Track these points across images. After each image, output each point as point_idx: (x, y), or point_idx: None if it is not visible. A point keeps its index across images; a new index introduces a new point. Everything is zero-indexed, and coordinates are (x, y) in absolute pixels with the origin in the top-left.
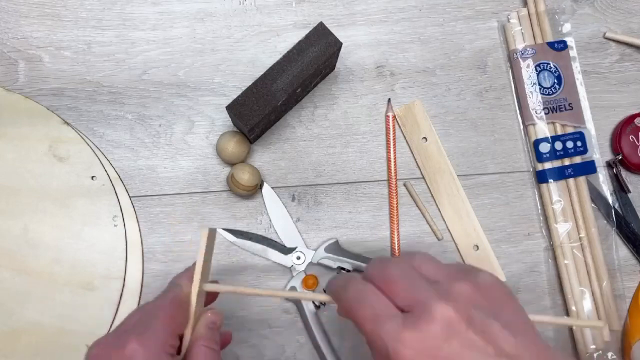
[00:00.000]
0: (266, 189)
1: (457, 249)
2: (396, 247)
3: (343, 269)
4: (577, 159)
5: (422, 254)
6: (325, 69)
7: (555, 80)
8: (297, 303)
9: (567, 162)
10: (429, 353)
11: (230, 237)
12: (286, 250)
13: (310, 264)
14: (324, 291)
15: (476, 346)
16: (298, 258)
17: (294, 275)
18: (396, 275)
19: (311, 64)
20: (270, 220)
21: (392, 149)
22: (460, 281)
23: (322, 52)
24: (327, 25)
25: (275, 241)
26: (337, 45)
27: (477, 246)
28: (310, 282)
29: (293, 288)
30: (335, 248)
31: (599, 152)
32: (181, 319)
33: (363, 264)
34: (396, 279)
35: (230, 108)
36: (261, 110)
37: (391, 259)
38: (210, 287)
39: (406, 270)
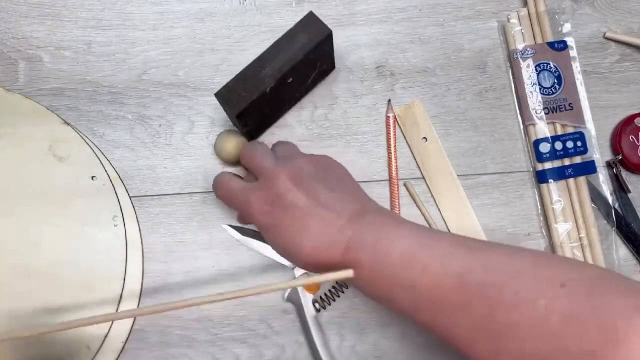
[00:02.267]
0: None
1: None
2: None
3: None
4: (577, 159)
5: (282, 142)
6: (319, 60)
7: (555, 80)
8: (297, 305)
9: (567, 162)
10: (270, 204)
11: (236, 235)
12: None
13: None
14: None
15: (302, 199)
16: None
17: (297, 276)
18: (255, 152)
19: (299, 50)
20: None
21: (392, 149)
22: (299, 156)
23: (310, 38)
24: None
25: None
26: (325, 31)
27: None
28: (312, 285)
29: (294, 290)
30: None
31: (599, 152)
32: None
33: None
34: (255, 154)
35: (219, 95)
36: (250, 95)
37: (259, 143)
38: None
39: (263, 149)
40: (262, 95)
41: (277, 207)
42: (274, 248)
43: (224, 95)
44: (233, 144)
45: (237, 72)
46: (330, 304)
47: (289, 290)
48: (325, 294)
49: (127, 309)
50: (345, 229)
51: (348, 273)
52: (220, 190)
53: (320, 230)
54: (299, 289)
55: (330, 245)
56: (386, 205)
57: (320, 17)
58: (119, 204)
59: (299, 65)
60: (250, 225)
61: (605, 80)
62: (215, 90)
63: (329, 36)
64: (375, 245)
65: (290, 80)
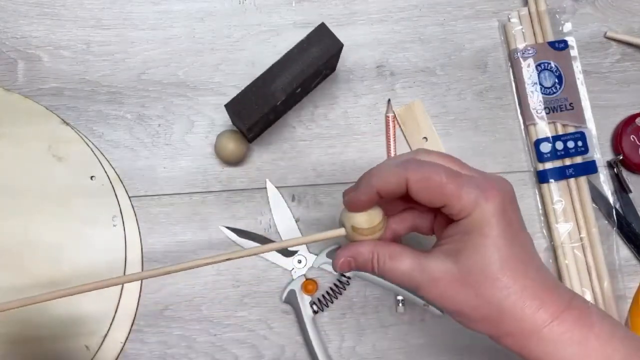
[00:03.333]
0: (271, 189)
1: None
2: None
3: (344, 275)
4: (578, 159)
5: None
6: (325, 69)
7: (556, 80)
8: (295, 307)
9: (567, 162)
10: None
11: (233, 236)
12: (287, 253)
13: (311, 268)
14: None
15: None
16: (299, 261)
17: (294, 278)
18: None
19: (311, 64)
20: (272, 221)
21: (392, 149)
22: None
23: (322, 53)
24: (327, 25)
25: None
26: (338, 46)
27: None
28: (310, 287)
29: (292, 291)
30: None
31: (600, 152)
32: None
33: (363, 272)
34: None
35: (229, 106)
36: (260, 109)
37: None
38: None
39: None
40: (273, 108)
41: None
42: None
43: (235, 108)
44: (234, 143)
45: (237, 71)
46: (328, 306)
47: (287, 291)
48: (324, 296)
49: (127, 308)
50: None
51: (340, 231)
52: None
53: None
54: (297, 290)
55: None
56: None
57: (320, 17)
58: (118, 204)
59: (309, 77)
60: (247, 227)
61: (606, 80)
62: (215, 90)
63: (339, 49)
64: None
65: (298, 90)
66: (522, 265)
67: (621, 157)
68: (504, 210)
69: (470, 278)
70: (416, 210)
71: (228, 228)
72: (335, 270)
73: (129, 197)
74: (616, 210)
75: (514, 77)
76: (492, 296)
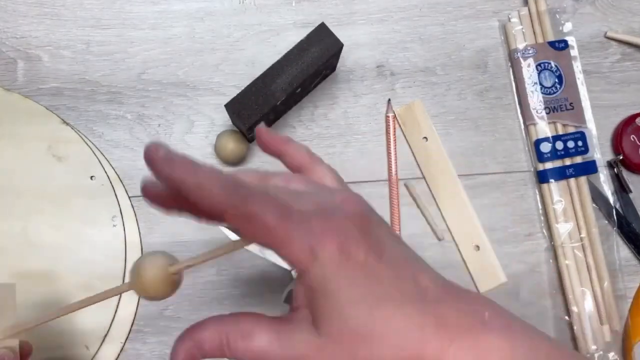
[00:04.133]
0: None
1: (458, 249)
2: None
3: None
4: (578, 159)
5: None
6: (325, 69)
7: (556, 80)
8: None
9: (568, 162)
10: None
11: (233, 237)
12: None
13: None
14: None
15: None
16: None
17: (294, 278)
18: None
19: (311, 64)
20: None
21: (392, 149)
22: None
23: (322, 52)
24: (327, 25)
25: None
26: (338, 46)
27: (478, 246)
28: None
29: (292, 291)
30: None
31: (600, 152)
32: None
33: None
34: None
35: (229, 106)
36: (260, 109)
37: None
38: None
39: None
40: (273, 108)
41: None
42: None
43: (235, 108)
44: (234, 143)
45: (237, 71)
46: None
47: (287, 291)
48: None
49: (126, 308)
50: None
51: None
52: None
53: None
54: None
55: None
56: (386, 205)
57: (320, 17)
58: (118, 204)
59: (309, 77)
60: None
61: (606, 80)
62: (215, 90)
63: (339, 49)
64: None
65: (298, 90)
66: (393, 302)
67: (621, 157)
68: (348, 249)
69: (343, 345)
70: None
71: (228, 228)
72: None
73: (129, 197)
74: (616, 210)
75: (514, 77)
76: (373, 354)
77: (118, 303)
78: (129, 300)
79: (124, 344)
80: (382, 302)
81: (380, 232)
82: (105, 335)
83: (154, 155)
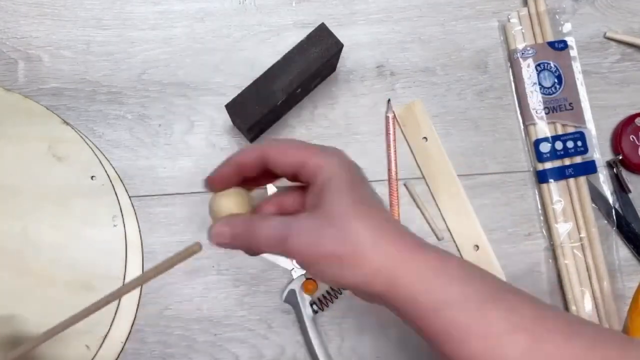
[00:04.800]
0: (271, 189)
1: (458, 249)
2: None
3: None
4: (578, 159)
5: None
6: (325, 70)
7: (556, 80)
8: (295, 307)
9: (567, 162)
10: None
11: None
12: None
13: None
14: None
15: None
16: None
17: (294, 278)
18: None
19: (312, 64)
20: None
21: (392, 149)
22: None
23: (322, 53)
24: (327, 25)
25: None
26: (338, 46)
27: (478, 246)
28: (310, 286)
29: (292, 291)
30: None
31: (600, 152)
32: None
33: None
34: None
35: (229, 107)
36: (260, 109)
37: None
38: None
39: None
40: (273, 108)
41: None
42: None
43: (235, 109)
44: (235, 206)
45: (237, 71)
46: (328, 306)
47: (287, 291)
48: (324, 295)
49: (127, 308)
50: None
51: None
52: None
53: None
54: (297, 289)
55: None
56: (386, 205)
57: (320, 17)
58: (118, 204)
59: (309, 77)
60: None
61: (605, 80)
62: (215, 90)
63: (339, 49)
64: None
65: (298, 90)
66: (373, 208)
67: (621, 157)
68: (347, 165)
69: (332, 221)
70: (281, 192)
71: None
72: (211, 242)
73: (129, 197)
74: (616, 210)
75: (514, 77)
76: (353, 229)
77: (119, 303)
78: (130, 300)
79: (125, 343)
80: (361, 200)
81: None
82: (106, 335)
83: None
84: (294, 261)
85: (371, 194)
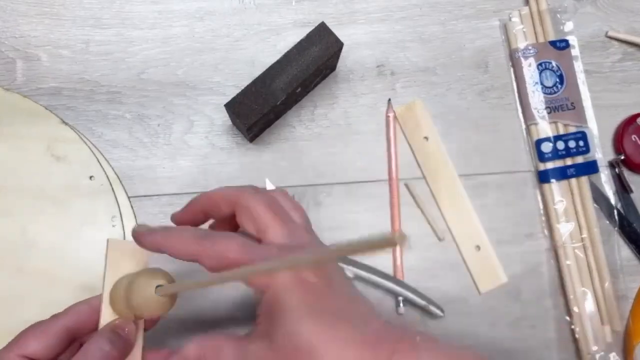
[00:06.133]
0: (270, 188)
1: (458, 249)
2: (397, 247)
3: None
4: (579, 159)
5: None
6: (325, 69)
7: (557, 80)
8: None
9: (569, 162)
10: None
11: None
12: None
13: None
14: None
15: None
16: None
17: None
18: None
19: (312, 64)
20: None
21: (392, 148)
22: None
23: (323, 52)
24: (327, 24)
25: None
26: (338, 45)
27: (479, 247)
28: None
29: None
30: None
31: (601, 152)
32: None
33: (364, 272)
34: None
35: (229, 106)
36: (260, 109)
37: None
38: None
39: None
40: (273, 108)
41: None
42: None
43: (235, 108)
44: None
45: (237, 71)
46: None
47: None
48: None
49: None
50: None
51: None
52: None
53: None
54: None
55: None
56: (386, 205)
57: (320, 16)
58: (117, 204)
59: (309, 76)
60: None
61: (607, 80)
62: (214, 89)
63: (340, 48)
64: None
65: (298, 90)
66: (336, 319)
67: (622, 157)
68: (301, 273)
69: (287, 357)
70: None
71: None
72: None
73: (128, 197)
74: (617, 210)
75: (515, 77)
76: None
77: None
78: None
79: None
80: (325, 319)
81: (332, 266)
82: None
83: (137, 234)
84: None
85: (331, 300)
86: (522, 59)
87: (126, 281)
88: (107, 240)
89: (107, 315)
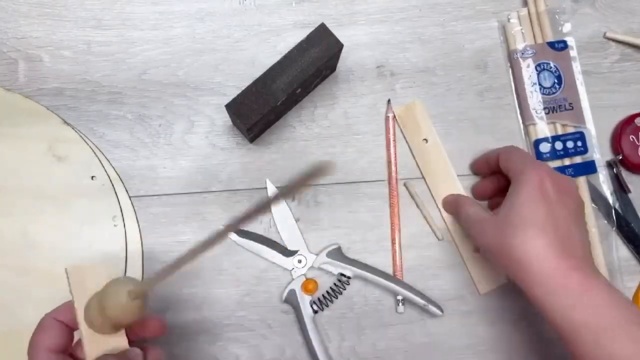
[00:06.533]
0: (271, 188)
1: (458, 249)
2: (397, 247)
3: (344, 275)
4: (578, 159)
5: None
6: (326, 70)
7: (556, 80)
8: (295, 306)
9: (567, 162)
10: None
11: (234, 236)
12: (288, 253)
13: (311, 267)
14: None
15: None
16: (299, 261)
17: (294, 278)
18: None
19: (312, 64)
20: (272, 221)
21: (392, 149)
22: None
23: (323, 53)
24: (328, 25)
25: (277, 243)
26: (338, 46)
27: (478, 247)
28: (310, 286)
29: (292, 291)
30: (337, 254)
31: (599, 152)
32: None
33: (363, 272)
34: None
35: (229, 107)
36: (260, 109)
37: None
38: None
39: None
40: (273, 108)
41: None
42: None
43: (235, 109)
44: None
45: (237, 71)
46: (328, 306)
47: (287, 291)
48: (324, 295)
49: None
50: None
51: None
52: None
53: None
54: (297, 289)
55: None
56: (386, 205)
57: (321, 17)
58: (118, 204)
59: (309, 77)
60: (247, 227)
61: (605, 80)
62: (215, 90)
63: (339, 49)
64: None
65: (298, 90)
66: (546, 226)
67: (620, 157)
68: (543, 182)
69: (502, 226)
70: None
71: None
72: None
73: (130, 197)
74: (615, 210)
75: (514, 78)
76: (511, 243)
77: None
78: None
79: None
80: (544, 225)
81: (578, 201)
82: None
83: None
84: (294, 261)
85: (554, 210)
86: (521, 59)
87: (96, 298)
88: (66, 269)
89: (90, 339)
